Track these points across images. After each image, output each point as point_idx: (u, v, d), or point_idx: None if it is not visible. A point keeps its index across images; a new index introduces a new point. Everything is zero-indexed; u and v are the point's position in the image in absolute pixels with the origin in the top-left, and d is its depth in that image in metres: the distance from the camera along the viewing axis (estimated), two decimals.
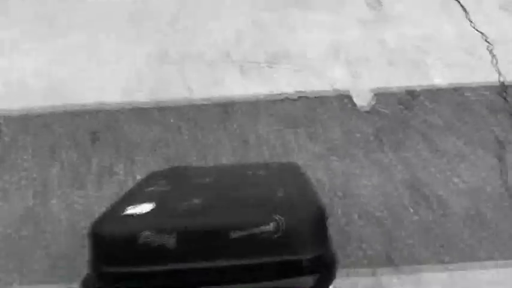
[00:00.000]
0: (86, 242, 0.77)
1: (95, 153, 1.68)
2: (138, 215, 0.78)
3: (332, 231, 0.98)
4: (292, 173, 1.04)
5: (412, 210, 1.54)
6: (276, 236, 0.73)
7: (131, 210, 0.80)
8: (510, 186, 1.58)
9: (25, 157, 1.69)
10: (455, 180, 1.59)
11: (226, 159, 1.51)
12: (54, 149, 1.71)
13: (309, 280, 0.75)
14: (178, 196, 0.89)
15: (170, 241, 0.72)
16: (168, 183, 0.99)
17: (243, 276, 0.74)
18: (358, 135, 1.70)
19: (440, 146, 1.68)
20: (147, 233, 0.73)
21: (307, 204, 0.81)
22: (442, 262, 1.42)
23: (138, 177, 1.50)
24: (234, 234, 0.73)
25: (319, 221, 0.79)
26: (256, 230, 0.73)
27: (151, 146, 1.66)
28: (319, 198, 0.85)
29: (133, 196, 0.91)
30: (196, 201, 0.83)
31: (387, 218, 1.53)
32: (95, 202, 1.53)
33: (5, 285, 1.39)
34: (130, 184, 1.47)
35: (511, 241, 1.46)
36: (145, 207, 0.81)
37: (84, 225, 1.48)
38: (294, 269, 0.74)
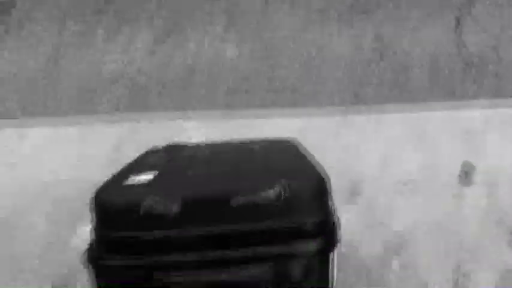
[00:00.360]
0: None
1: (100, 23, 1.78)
2: (141, 183, 0.78)
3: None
4: (293, 148, 1.04)
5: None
6: (278, 201, 0.73)
7: (134, 179, 0.81)
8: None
9: (38, 27, 1.81)
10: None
11: None
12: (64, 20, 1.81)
13: (311, 245, 0.75)
14: (179, 166, 0.90)
15: (173, 207, 0.72)
16: (168, 156, 1.01)
17: (245, 241, 0.74)
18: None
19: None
20: (150, 199, 0.73)
21: (309, 171, 0.81)
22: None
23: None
24: (237, 200, 0.73)
25: (321, 186, 0.79)
26: (258, 196, 0.73)
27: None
28: (322, 169, 0.84)
29: (135, 167, 0.92)
30: (198, 170, 0.84)
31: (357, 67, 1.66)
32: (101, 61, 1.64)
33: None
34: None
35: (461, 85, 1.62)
36: (148, 176, 0.81)
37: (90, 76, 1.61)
38: (296, 234, 0.74)
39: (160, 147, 1.15)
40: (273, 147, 1.04)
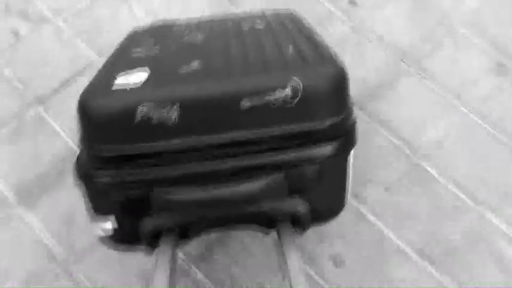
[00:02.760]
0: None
1: None
2: (132, 84, 0.66)
3: None
4: (295, 24, 0.89)
5: None
6: (293, 101, 0.63)
7: (123, 79, 0.68)
8: None
9: None
10: None
11: None
12: None
13: (328, 148, 0.67)
14: (173, 59, 0.75)
15: (172, 114, 0.62)
16: (156, 43, 0.85)
17: (256, 148, 0.65)
18: None
19: None
20: (145, 106, 0.62)
21: (324, 62, 0.68)
22: None
23: None
24: (247, 102, 0.63)
25: (339, 82, 0.67)
26: (271, 96, 0.63)
27: None
28: (335, 54, 0.71)
29: (122, 61, 0.78)
30: (195, 63, 0.70)
31: None
32: None
33: None
34: None
35: None
36: (138, 75, 0.69)
37: None
38: (312, 137, 0.65)
39: (144, 29, 0.99)
40: (276, 24, 0.89)
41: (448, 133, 1.14)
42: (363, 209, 1.05)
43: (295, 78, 0.63)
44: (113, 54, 0.84)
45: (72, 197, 1.07)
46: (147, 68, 0.71)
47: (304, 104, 0.64)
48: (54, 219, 1.07)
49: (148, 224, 0.69)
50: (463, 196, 1.06)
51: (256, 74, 0.66)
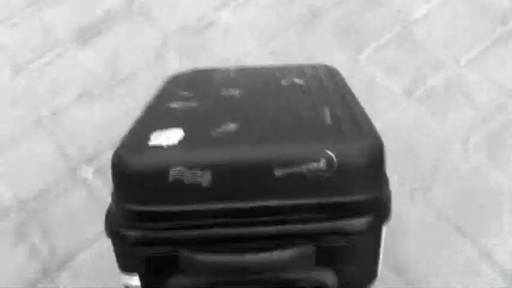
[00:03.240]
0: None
1: None
2: (167, 143, 0.67)
3: None
4: (332, 80, 0.88)
5: None
6: (326, 174, 0.62)
7: (158, 137, 0.69)
8: None
9: None
10: None
11: None
12: None
13: (361, 222, 0.65)
14: (209, 117, 0.76)
15: (204, 178, 0.62)
16: (194, 95, 0.85)
17: (287, 217, 0.64)
18: None
19: None
20: (177, 168, 0.62)
21: (362, 137, 0.66)
22: None
23: None
24: (279, 172, 0.62)
25: (376, 157, 0.65)
26: (304, 167, 0.62)
27: None
28: (372, 125, 0.70)
29: (157, 114, 0.79)
30: (231, 126, 0.71)
31: None
32: None
33: None
34: None
35: None
36: (173, 134, 0.70)
37: None
38: (345, 211, 0.64)
39: (183, 76, 0.98)
40: (314, 81, 0.87)
41: None
42: None
43: (329, 152, 0.62)
44: (147, 107, 0.84)
45: None
46: (181, 127, 0.72)
47: (339, 178, 0.63)
48: None
49: (174, 283, 0.68)
50: None
51: (291, 144, 0.66)
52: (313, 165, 0.62)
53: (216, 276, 0.68)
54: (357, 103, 0.80)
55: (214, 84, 0.92)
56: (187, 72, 1.05)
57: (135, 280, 0.70)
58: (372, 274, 0.74)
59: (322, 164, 0.62)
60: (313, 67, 1.01)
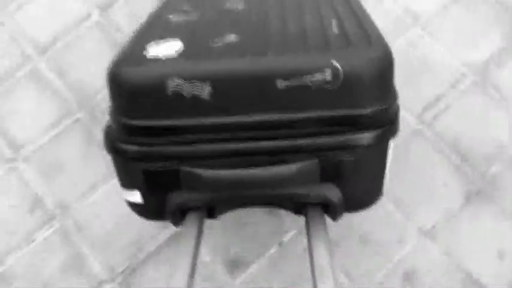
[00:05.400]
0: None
1: None
2: (165, 55, 0.64)
3: None
4: None
5: None
6: (332, 85, 0.59)
7: (155, 48, 0.66)
8: None
9: None
10: None
11: None
12: None
13: (367, 136, 0.62)
14: (209, 28, 0.72)
15: (204, 90, 0.60)
16: (195, 9, 0.81)
17: (291, 131, 0.62)
18: None
19: None
20: (177, 79, 0.60)
21: (369, 44, 0.62)
22: None
23: None
24: (282, 83, 0.59)
25: (385, 67, 0.61)
26: (308, 78, 0.59)
27: None
28: (381, 35, 0.66)
29: (155, 27, 0.75)
30: (231, 36, 0.67)
31: None
32: None
33: None
34: None
35: None
36: (172, 46, 0.66)
37: None
38: (351, 124, 0.61)
39: None
40: None
41: None
42: None
43: (334, 62, 0.59)
44: (147, 20, 0.80)
45: None
46: (180, 38, 0.68)
47: (345, 89, 0.59)
48: None
49: (175, 199, 0.67)
50: None
51: (294, 54, 0.62)
52: (318, 77, 0.59)
53: (217, 192, 0.67)
54: (366, 15, 0.75)
55: None
56: None
57: (136, 196, 0.69)
58: (377, 191, 0.72)
59: (327, 74, 0.59)
60: None
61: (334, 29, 0.67)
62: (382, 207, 1.03)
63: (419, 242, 1.02)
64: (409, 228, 1.03)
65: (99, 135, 1.12)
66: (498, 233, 1.01)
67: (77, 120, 1.18)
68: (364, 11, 0.77)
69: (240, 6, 0.81)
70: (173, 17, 0.78)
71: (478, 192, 1.05)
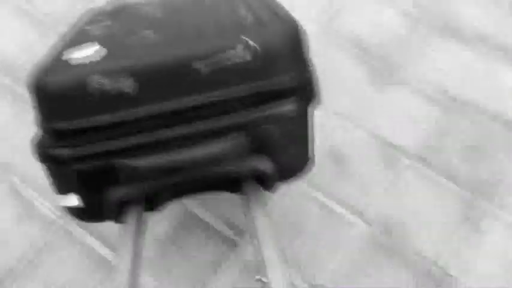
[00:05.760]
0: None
1: None
2: (84, 57, 0.63)
3: None
4: None
5: None
6: (246, 60, 0.62)
7: (75, 53, 0.65)
8: None
9: None
10: None
11: None
12: None
13: (289, 104, 0.66)
14: (127, 33, 0.71)
15: (126, 83, 0.61)
16: (112, 21, 0.79)
17: (216, 110, 0.64)
18: None
19: None
20: (98, 77, 0.60)
21: (279, 21, 0.65)
22: None
23: None
24: (200, 65, 0.61)
25: (295, 38, 0.64)
26: (223, 57, 0.61)
27: None
28: (289, 13, 0.69)
29: (74, 38, 0.73)
30: (148, 33, 0.67)
31: None
32: None
33: None
34: None
35: None
36: (90, 49, 0.65)
37: None
38: (271, 95, 0.64)
39: (101, 7, 0.93)
40: None
41: None
42: None
43: (245, 38, 0.62)
44: (65, 33, 0.79)
45: None
46: (98, 42, 0.68)
47: (260, 62, 0.63)
48: None
49: (113, 195, 0.68)
50: None
51: (208, 37, 0.64)
52: (233, 54, 0.62)
53: (153, 180, 0.68)
54: (278, 3, 0.77)
55: (133, 9, 0.87)
56: (107, 3, 0.98)
57: (73, 200, 0.69)
58: (305, 156, 0.75)
59: (241, 50, 0.62)
60: None
61: (245, 13, 0.70)
62: None
63: (336, 122, 1.17)
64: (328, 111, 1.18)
65: (26, 94, 1.15)
66: (408, 102, 1.20)
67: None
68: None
69: (158, 11, 0.81)
70: (92, 28, 0.77)
71: (380, 75, 1.22)
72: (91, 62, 0.63)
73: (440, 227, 1.05)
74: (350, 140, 1.16)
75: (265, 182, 0.72)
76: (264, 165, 0.70)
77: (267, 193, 0.75)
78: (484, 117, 1.17)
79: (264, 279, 0.58)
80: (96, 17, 0.85)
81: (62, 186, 0.68)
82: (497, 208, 1.05)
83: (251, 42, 0.63)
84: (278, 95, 0.66)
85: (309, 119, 0.71)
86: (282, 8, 0.73)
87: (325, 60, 1.22)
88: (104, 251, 1.01)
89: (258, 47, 0.62)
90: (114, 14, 0.85)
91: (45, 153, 0.65)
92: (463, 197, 1.07)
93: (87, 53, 0.66)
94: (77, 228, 1.06)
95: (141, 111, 0.63)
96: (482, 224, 1.04)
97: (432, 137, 1.15)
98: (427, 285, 0.99)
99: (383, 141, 1.15)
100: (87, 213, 0.71)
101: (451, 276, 0.99)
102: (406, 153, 1.14)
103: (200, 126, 0.65)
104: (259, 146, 0.68)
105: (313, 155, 0.76)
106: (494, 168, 1.10)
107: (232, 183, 0.74)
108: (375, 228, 1.05)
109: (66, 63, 0.64)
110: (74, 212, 0.71)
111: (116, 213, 0.69)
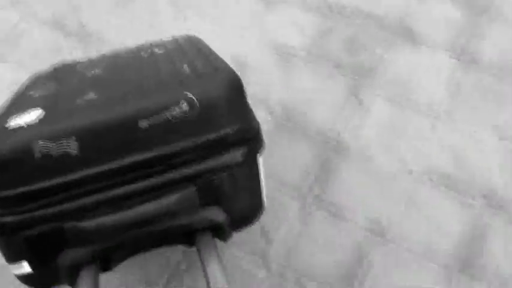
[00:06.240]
0: None
1: None
2: (26, 124, 0.60)
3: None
4: (194, 45, 0.81)
5: None
6: (191, 115, 0.61)
7: (17, 120, 0.62)
8: None
9: None
10: None
11: None
12: None
13: (236, 154, 0.67)
14: (69, 95, 0.71)
15: (71, 146, 0.59)
16: (55, 83, 0.75)
17: (163, 165, 0.64)
18: None
19: None
20: (41, 142, 0.57)
21: (218, 74, 0.67)
22: None
23: None
24: (143, 123, 0.60)
25: (235, 89, 0.67)
26: (167, 113, 0.61)
27: None
28: (228, 65, 0.67)
29: (18, 104, 0.72)
30: (91, 94, 0.64)
31: None
32: None
33: None
34: None
35: None
36: (33, 114, 0.62)
37: None
38: (218, 147, 0.65)
39: (44, 71, 0.87)
40: (174, 47, 0.81)
41: None
42: None
43: (187, 93, 0.63)
44: (7, 100, 0.76)
45: None
46: (41, 107, 0.68)
47: (204, 116, 0.64)
48: None
49: (65, 259, 0.66)
50: None
51: (150, 95, 0.65)
52: (176, 110, 0.63)
53: (105, 240, 0.66)
54: (212, 52, 0.78)
55: (76, 70, 0.84)
56: (50, 66, 0.96)
57: (25, 267, 0.67)
58: (258, 204, 0.75)
59: (184, 106, 0.63)
60: (174, 38, 0.95)
61: (186, 70, 0.70)
62: None
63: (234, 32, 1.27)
64: None
65: None
66: (294, 17, 1.32)
67: None
68: (210, 50, 0.78)
69: (99, 72, 0.78)
70: (35, 93, 0.75)
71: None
72: (32, 127, 0.62)
73: (331, 105, 1.22)
74: (248, 48, 1.29)
75: (219, 232, 0.72)
76: (217, 215, 0.70)
77: (220, 242, 0.73)
78: (360, 17, 1.34)
79: None
80: (39, 80, 0.83)
81: (12, 255, 0.66)
82: (377, 88, 1.24)
83: (194, 98, 0.64)
84: (223, 146, 0.66)
85: (258, 167, 0.72)
86: (221, 60, 0.74)
87: None
88: None
89: (196, 101, 0.64)
90: (56, 76, 0.83)
91: None
92: (347, 80, 1.25)
93: (30, 118, 0.65)
94: None
95: (86, 172, 0.62)
96: (365, 99, 1.23)
97: (317, 37, 1.31)
98: (326, 152, 1.16)
99: (276, 43, 1.29)
100: (40, 280, 0.69)
101: (345, 141, 1.17)
102: (297, 51, 1.29)
103: (148, 182, 0.65)
104: (210, 197, 0.69)
105: (264, 201, 0.76)
106: (371, 57, 1.29)
107: (186, 236, 0.73)
108: (277, 115, 1.20)
109: (9, 130, 0.63)
110: (28, 279, 0.69)
111: (70, 276, 0.68)
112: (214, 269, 0.65)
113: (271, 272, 1.00)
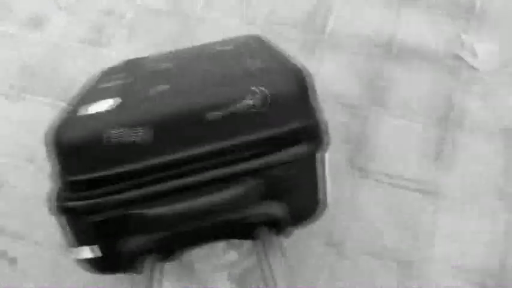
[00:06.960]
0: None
1: None
2: (101, 112, 0.67)
3: None
4: (260, 44, 0.90)
5: None
6: (258, 108, 0.65)
7: (91, 109, 0.69)
8: None
9: None
10: None
11: None
12: None
13: (302, 150, 0.68)
14: (142, 86, 0.76)
15: (142, 134, 0.64)
16: (127, 76, 0.84)
17: (229, 157, 0.66)
18: None
19: None
20: (115, 129, 0.63)
21: (288, 69, 0.70)
22: None
23: None
24: (212, 114, 0.64)
25: (304, 84, 0.69)
26: (235, 107, 0.64)
27: None
28: (299, 63, 0.73)
29: (90, 95, 0.77)
30: (163, 87, 0.72)
31: None
32: None
33: None
34: None
35: None
36: (107, 103, 0.70)
37: None
38: (284, 142, 0.67)
39: (113, 66, 0.99)
40: (242, 45, 0.90)
41: None
42: None
43: (256, 87, 0.65)
44: (81, 90, 0.83)
45: None
46: (118, 95, 0.72)
47: (272, 110, 0.65)
48: None
49: (129, 245, 0.68)
50: None
51: (220, 88, 0.68)
52: (244, 103, 0.63)
53: (167, 230, 0.68)
54: (280, 50, 0.82)
55: (145, 64, 0.91)
56: (119, 62, 1.01)
57: (90, 252, 0.69)
58: (317, 201, 0.73)
59: (252, 99, 0.64)
60: (240, 36, 1.01)
61: (254, 65, 0.73)
62: None
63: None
64: None
65: None
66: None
67: None
68: (278, 49, 0.84)
69: (169, 66, 0.85)
70: (108, 84, 0.81)
71: None
72: (107, 114, 0.66)
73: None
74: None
75: (278, 227, 0.72)
76: (277, 210, 0.70)
77: (281, 238, 0.74)
78: None
79: None
80: (109, 74, 0.89)
81: (78, 239, 0.69)
82: (325, 42, 1.25)
83: (261, 90, 0.65)
84: (289, 141, 0.67)
85: (320, 162, 0.71)
86: (290, 56, 0.76)
87: None
88: None
89: (268, 95, 0.65)
90: (127, 69, 0.90)
91: (63, 206, 0.66)
92: (302, 40, 1.25)
93: (102, 107, 0.69)
94: None
95: (158, 160, 0.65)
96: (317, 52, 1.23)
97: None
98: None
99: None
100: (103, 265, 0.71)
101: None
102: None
103: (214, 173, 0.66)
104: (272, 192, 0.69)
105: (326, 198, 0.75)
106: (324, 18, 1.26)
107: (245, 230, 0.73)
108: None
109: (82, 118, 0.67)
110: (91, 264, 0.71)
111: (132, 263, 0.70)
112: (277, 264, 0.65)
113: None
